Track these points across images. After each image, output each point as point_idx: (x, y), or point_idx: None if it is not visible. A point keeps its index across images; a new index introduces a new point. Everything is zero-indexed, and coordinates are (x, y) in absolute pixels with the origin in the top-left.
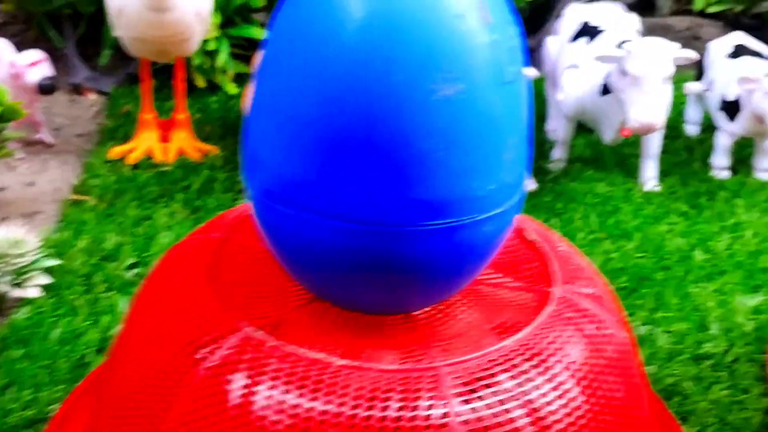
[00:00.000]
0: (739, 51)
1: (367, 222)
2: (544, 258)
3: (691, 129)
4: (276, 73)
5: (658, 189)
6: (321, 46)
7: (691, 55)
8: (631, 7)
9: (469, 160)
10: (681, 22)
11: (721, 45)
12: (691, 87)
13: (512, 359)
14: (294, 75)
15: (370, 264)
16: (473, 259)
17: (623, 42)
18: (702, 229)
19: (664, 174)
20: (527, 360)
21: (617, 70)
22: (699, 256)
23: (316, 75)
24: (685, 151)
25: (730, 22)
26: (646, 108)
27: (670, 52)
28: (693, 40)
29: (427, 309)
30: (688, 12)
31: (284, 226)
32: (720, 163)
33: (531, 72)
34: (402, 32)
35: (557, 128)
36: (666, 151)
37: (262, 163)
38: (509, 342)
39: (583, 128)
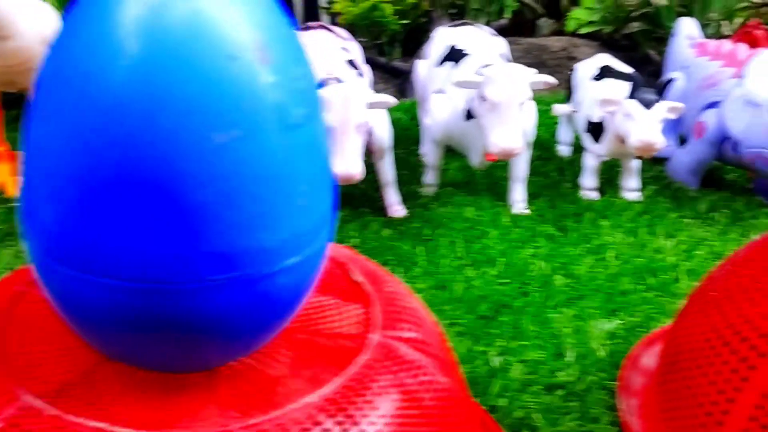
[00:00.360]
0: (604, 73)
1: (145, 280)
2: (367, 301)
3: (564, 150)
4: (43, 115)
5: (526, 212)
6: (85, 89)
7: (549, 79)
8: (513, 29)
9: (254, 209)
10: (558, 42)
11: (586, 67)
12: (560, 108)
13: (315, 417)
14: (58, 119)
15: (155, 323)
16: (273, 311)
17: (484, 67)
18: (566, 252)
19: (534, 196)
20: (331, 416)
21: (477, 95)
22: (560, 280)
23: (79, 120)
24: (556, 173)
25: (604, 42)
26: (505, 133)
27: (526, 78)
28: (568, 60)
29: (233, 363)
30: (568, 33)
31: (62, 285)
32: (588, 184)
33: (389, 100)
34: (171, 75)
35: (428, 153)
36: (538, 172)
37: (35, 217)
38: (312, 398)
39: (456, 152)
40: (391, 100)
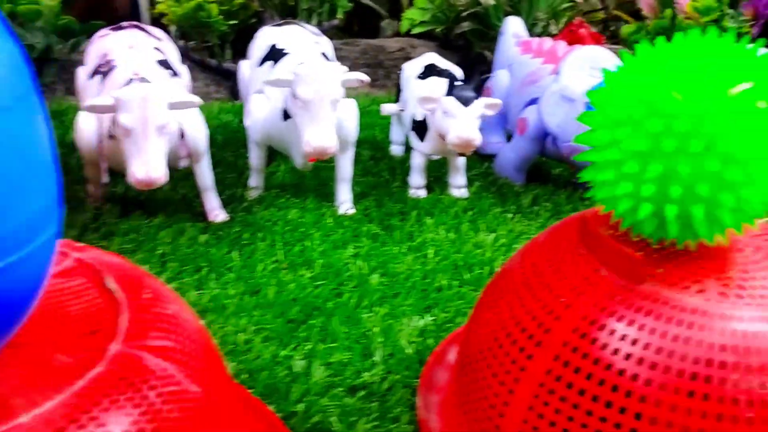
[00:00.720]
0: (429, 71)
1: None
2: (117, 310)
3: (396, 150)
4: None
5: (351, 212)
6: None
7: (362, 77)
8: (355, 30)
9: None
10: (396, 43)
11: (413, 66)
12: (387, 108)
13: None
14: None
15: None
16: None
17: (300, 65)
18: (388, 250)
19: (362, 196)
20: None
21: (290, 94)
22: (376, 279)
23: None
24: (387, 172)
25: (441, 42)
26: (317, 132)
27: (337, 75)
28: (405, 61)
29: None
30: (407, 34)
31: None
32: (416, 183)
33: (195, 100)
34: None
35: (251, 155)
36: (369, 172)
37: None
38: (25, 418)
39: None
40: (196, 100)
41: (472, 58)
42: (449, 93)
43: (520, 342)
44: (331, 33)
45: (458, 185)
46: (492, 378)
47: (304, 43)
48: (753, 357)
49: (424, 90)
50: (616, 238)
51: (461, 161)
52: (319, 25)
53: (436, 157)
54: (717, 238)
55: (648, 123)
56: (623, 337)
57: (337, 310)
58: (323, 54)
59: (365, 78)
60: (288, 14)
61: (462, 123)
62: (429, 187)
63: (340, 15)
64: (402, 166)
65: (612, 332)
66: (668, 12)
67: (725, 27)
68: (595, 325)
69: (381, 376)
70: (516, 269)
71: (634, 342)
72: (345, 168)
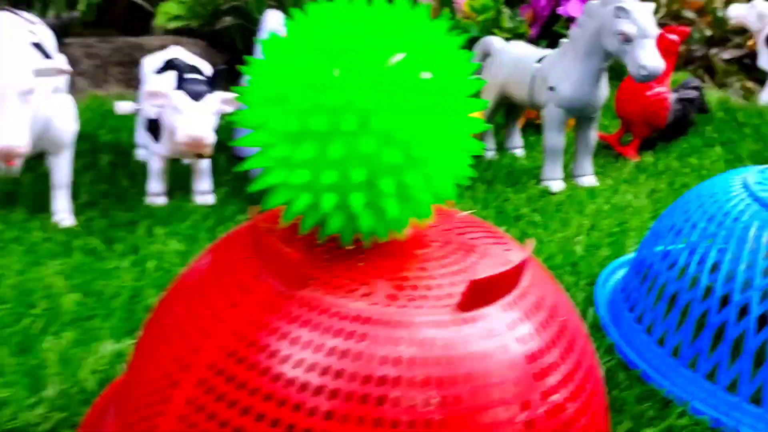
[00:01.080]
0: (169, 66)
1: None
2: None
3: (142, 153)
4: None
5: (68, 223)
6: None
7: (62, 66)
8: (121, 26)
9: None
10: (158, 41)
11: (153, 60)
12: (122, 106)
13: None
14: None
15: None
16: None
17: None
18: (103, 266)
19: (88, 205)
20: None
21: None
22: (75, 299)
23: None
24: (127, 179)
25: (209, 40)
26: (1, 130)
27: (26, 63)
28: None
29: None
30: (175, 32)
31: None
32: (154, 189)
33: None
34: None
35: None
36: (105, 179)
37: None
38: None
39: None
40: None
41: (241, 55)
42: (179, 87)
43: (167, 366)
44: (82, 28)
45: (202, 191)
46: (143, 410)
47: (12, 32)
48: (417, 369)
49: (159, 85)
50: (283, 238)
51: (204, 164)
52: (57, 17)
53: (187, 161)
54: (391, 233)
55: (298, 98)
56: (273, 354)
57: (13, 337)
58: (37, 44)
59: (66, 67)
60: (21, 4)
61: (191, 119)
62: (170, 194)
63: (82, 7)
64: (145, 172)
65: (262, 349)
66: (447, 11)
67: (503, 27)
68: (243, 342)
69: (44, 415)
70: (185, 277)
71: (286, 359)
72: (60, 173)
